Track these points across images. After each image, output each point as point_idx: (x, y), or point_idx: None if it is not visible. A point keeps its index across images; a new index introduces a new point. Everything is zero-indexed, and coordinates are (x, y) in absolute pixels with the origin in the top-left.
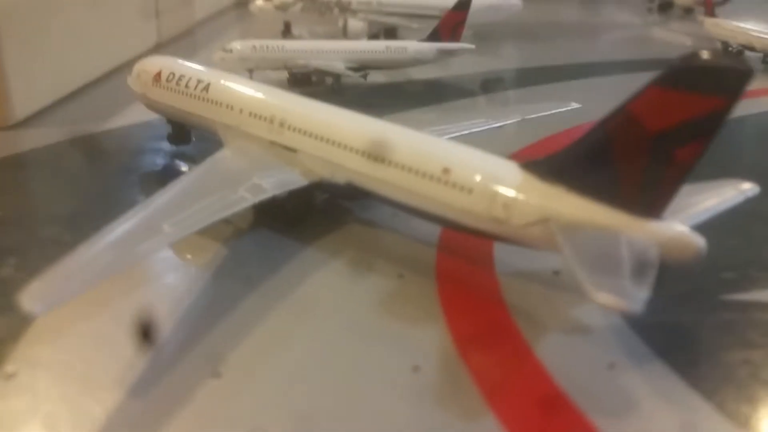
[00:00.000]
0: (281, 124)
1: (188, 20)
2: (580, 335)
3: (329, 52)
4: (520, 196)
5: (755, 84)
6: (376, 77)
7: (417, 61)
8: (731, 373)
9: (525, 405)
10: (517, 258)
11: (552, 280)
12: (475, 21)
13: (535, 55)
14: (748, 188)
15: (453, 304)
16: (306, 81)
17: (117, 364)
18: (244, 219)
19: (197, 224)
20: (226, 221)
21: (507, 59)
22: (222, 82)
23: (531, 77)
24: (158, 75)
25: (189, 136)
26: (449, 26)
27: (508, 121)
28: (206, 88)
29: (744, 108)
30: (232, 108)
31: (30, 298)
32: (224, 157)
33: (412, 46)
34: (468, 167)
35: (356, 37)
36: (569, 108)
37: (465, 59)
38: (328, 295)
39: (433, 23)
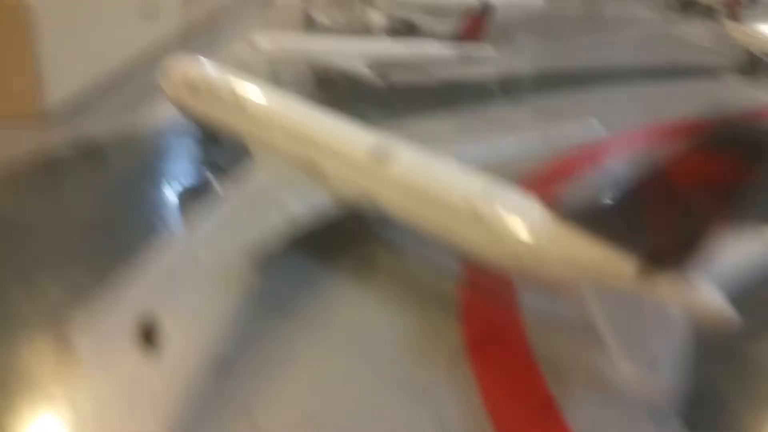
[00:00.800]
0: (314, 161)
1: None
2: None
3: (353, 55)
4: (545, 244)
5: None
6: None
7: (438, 64)
8: None
9: None
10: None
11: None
12: (497, 19)
13: (554, 54)
14: None
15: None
16: (330, 85)
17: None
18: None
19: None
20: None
21: (523, 58)
22: (257, 98)
23: (547, 81)
24: (190, 81)
25: (219, 142)
26: (472, 27)
27: (529, 145)
28: (241, 102)
29: None
30: (267, 128)
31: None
32: (257, 179)
33: (433, 49)
34: (493, 207)
35: (376, 28)
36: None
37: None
38: (352, 332)
39: (456, 21)
